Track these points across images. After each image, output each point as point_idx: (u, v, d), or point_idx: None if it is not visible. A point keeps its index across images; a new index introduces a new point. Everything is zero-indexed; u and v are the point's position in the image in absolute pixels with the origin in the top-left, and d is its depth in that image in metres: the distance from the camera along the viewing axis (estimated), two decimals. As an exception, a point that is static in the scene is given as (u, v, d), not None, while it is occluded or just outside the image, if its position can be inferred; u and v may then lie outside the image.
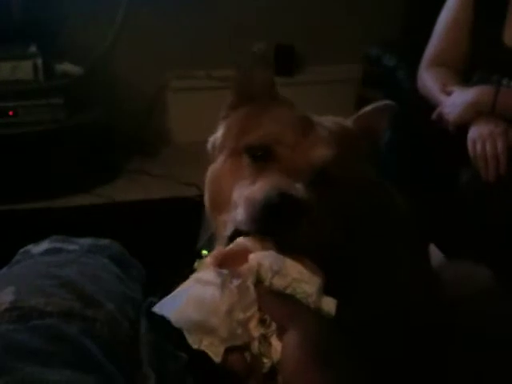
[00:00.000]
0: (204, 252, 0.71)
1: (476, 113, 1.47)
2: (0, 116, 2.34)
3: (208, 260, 0.62)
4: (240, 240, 0.66)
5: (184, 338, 0.58)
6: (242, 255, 0.62)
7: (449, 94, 1.59)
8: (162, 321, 0.80)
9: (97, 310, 0.72)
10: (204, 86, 3.00)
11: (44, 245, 0.85)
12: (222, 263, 0.61)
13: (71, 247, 0.84)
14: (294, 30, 3.02)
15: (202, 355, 0.63)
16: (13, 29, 2.49)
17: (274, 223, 0.65)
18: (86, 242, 0.87)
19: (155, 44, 2.88)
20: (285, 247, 0.63)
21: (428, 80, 1.71)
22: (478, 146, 1.41)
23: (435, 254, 1.17)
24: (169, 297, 0.60)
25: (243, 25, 2.92)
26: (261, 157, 0.73)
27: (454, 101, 1.54)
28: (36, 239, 0.88)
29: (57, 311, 0.69)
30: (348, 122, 0.83)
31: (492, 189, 1.40)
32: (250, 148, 0.75)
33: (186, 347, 0.77)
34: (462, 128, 1.49)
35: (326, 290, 0.61)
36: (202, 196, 2.33)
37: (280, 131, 0.74)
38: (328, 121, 0.80)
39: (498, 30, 1.59)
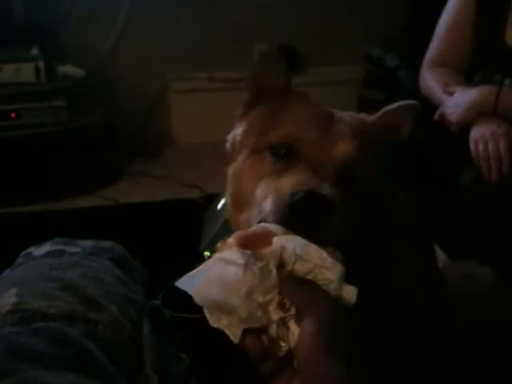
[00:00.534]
0: (206, 253, 0.71)
1: (478, 113, 1.47)
2: (2, 118, 2.34)
3: (231, 241, 0.62)
4: (264, 223, 0.66)
5: (186, 339, 0.58)
6: (265, 238, 0.62)
7: (451, 94, 1.59)
8: (165, 322, 0.80)
9: (99, 312, 0.72)
10: (206, 88, 3.01)
11: (46, 247, 0.85)
12: (244, 244, 0.60)
13: (73, 249, 0.84)
14: (295, 30, 3.02)
15: (204, 356, 0.63)
16: (14, 31, 2.50)
17: (300, 221, 0.65)
18: (88, 244, 0.87)
19: (156, 45, 2.88)
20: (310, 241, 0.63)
21: (430, 80, 1.71)
22: (481, 147, 1.41)
23: (438, 254, 1.17)
24: (191, 273, 0.60)
25: (244, 26, 2.92)
26: (284, 155, 0.73)
27: (456, 101, 1.54)
28: (38, 241, 0.88)
29: (59, 314, 0.69)
30: (370, 118, 0.82)
31: (494, 189, 1.40)
32: (272, 147, 0.74)
33: (189, 348, 0.78)
34: (464, 128, 1.49)
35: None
36: (204, 198, 2.34)
37: (301, 129, 0.74)
38: (349, 116, 0.80)
39: (500, 30, 1.59)
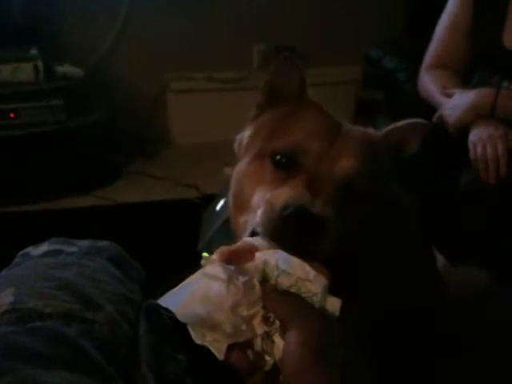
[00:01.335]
0: (204, 254, 0.71)
1: (476, 115, 1.48)
2: (1, 118, 2.34)
3: (215, 256, 0.62)
4: (248, 238, 0.66)
5: (184, 340, 0.58)
6: (248, 253, 0.62)
7: (449, 96, 1.59)
8: (162, 322, 0.80)
9: (96, 311, 0.72)
10: (204, 88, 3.01)
11: (43, 247, 0.85)
12: (228, 260, 0.61)
13: (70, 249, 0.84)
14: (294, 31, 3.02)
15: (201, 357, 0.63)
16: (13, 31, 2.50)
17: (288, 236, 0.65)
18: (85, 243, 0.87)
19: (155, 46, 2.88)
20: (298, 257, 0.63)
21: (428, 82, 1.72)
22: (479, 149, 1.42)
23: (437, 258, 1.17)
24: (174, 290, 0.60)
25: (243, 27, 2.92)
26: (284, 164, 0.73)
27: (455, 103, 1.54)
28: (36, 241, 0.88)
29: (56, 313, 0.69)
30: (377, 134, 0.82)
31: (492, 191, 1.41)
32: (275, 154, 0.74)
33: (186, 349, 0.77)
34: (463, 130, 1.50)
35: (333, 289, 0.61)
36: (201, 198, 2.32)
37: (306, 140, 0.74)
38: (356, 130, 0.80)
39: (498, 33, 1.59)
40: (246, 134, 0.83)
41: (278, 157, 0.74)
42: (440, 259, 1.22)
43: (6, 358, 0.61)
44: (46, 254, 0.83)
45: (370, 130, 0.83)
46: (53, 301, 0.70)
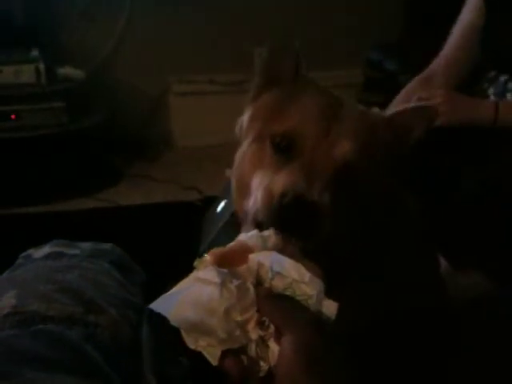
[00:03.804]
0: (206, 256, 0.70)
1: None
2: (2, 119, 2.34)
3: (207, 258, 0.61)
4: (241, 238, 0.65)
5: (186, 343, 0.58)
6: (242, 254, 0.61)
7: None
8: (162, 324, 0.80)
9: (98, 315, 0.72)
10: (206, 91, 3.01)
11: (45, 249, 0.85)
12: (221, 262, 0.60)
13: (73, 252, 0.84)
14: (295, 34, 3.02)
15: (203, 360, 0.63)
16: (15, 33, 2.50)
17: (288, 224, 0.65)
18: (88, 246, 0.87)
19: (157, 48, 2.88)
20: (298, 248, 0.63)
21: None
22: None
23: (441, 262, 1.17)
24: (167, 294, 0.59)
25: (244, 30, 2.92)
26: (283, 148, 0.73)
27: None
28: (38, 243, 0.88)
29: (58, 316, 0.69)
30: (382, 116, 0.81)
31: (494, 192, 1.40)
32: (273, 137, 0.74)
33: (188, 352, 0.77)
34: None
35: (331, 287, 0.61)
36: (203, 200, 2.32)
37: (305, 124, 0.74)
38: (359, 111, 0.79)
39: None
40: (245, 117, 0.83)
41: (277, 140, 0.74)
42: (441, 262, 1.22)
43: (8, 361, 0.61)
44: (47, 257, 0.83)
45: (374, 112, 0.82)
46: (55, 304, 0.70)
